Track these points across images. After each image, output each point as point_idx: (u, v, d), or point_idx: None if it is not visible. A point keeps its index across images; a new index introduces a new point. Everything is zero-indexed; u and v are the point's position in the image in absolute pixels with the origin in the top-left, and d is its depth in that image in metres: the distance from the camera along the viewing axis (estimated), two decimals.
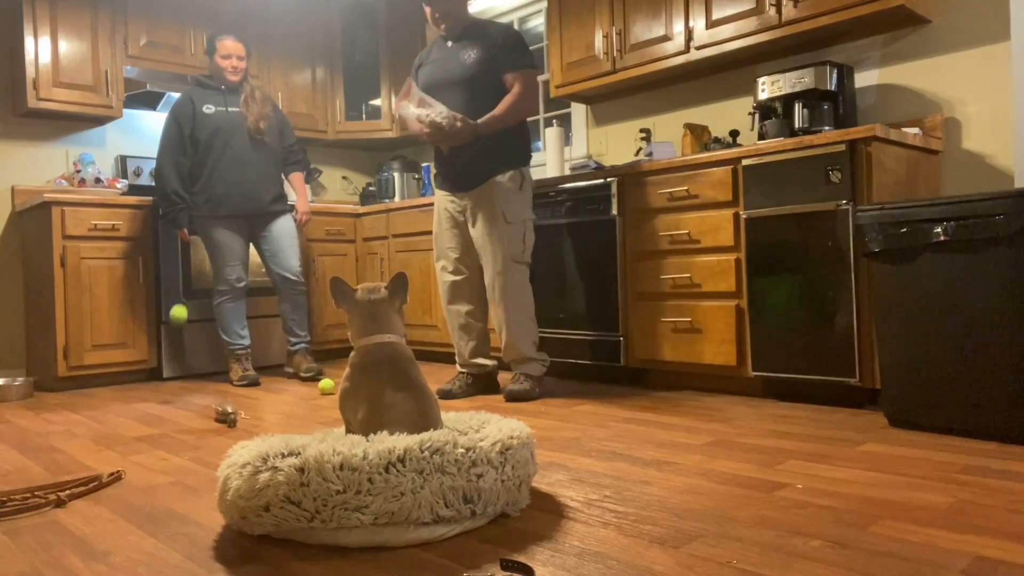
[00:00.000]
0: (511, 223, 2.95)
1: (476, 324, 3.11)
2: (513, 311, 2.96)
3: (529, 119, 3.11)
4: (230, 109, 3.69)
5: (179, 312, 3.24)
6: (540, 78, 3.83)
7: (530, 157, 3.09)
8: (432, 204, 4.15)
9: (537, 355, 3.03)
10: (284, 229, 3.81)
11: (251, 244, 3.84)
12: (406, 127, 2.97)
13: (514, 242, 2.96)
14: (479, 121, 2.86)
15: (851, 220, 2.51)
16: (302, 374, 3.73)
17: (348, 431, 1.67)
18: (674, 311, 3.04)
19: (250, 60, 3.81)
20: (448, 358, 4.19)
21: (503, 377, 3.26)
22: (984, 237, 2.05)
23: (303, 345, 3.84)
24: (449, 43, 3.05)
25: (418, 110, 2.86)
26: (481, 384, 3.13)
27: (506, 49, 2.95)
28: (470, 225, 3.03)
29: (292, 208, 3.92)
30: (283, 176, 3.94)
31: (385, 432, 1.50)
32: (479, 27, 3.04)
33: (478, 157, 2.93)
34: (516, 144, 3.00)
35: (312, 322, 4.51)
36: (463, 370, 3.14)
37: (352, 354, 1.72)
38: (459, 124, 2.81)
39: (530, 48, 3.05)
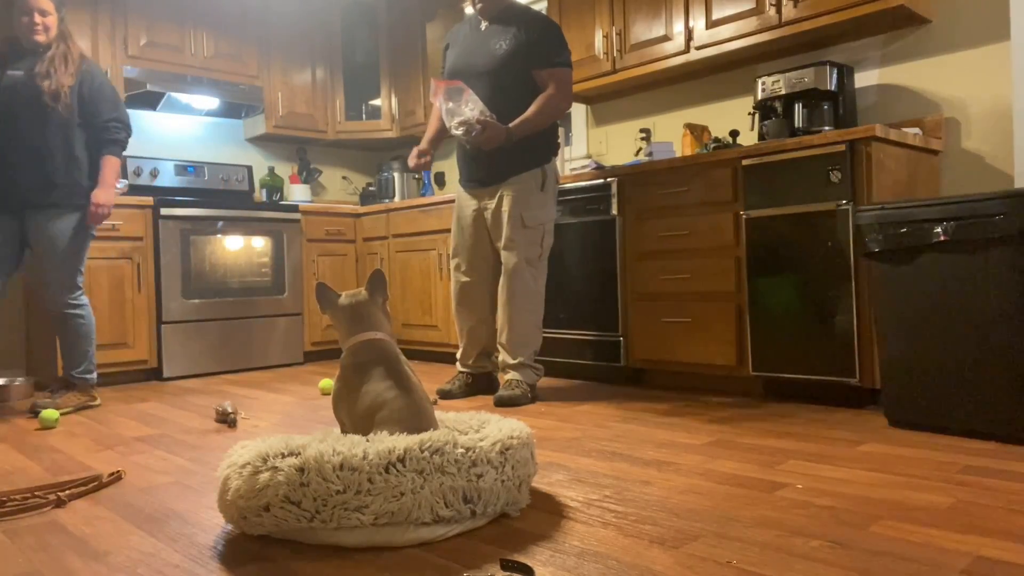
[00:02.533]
0: (529, 227, 2.87)
1: (485, 329, 3.04)
2: (519, 315, 2.90)
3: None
4: (26, 74, 2.98)
5: (49, 415, 2.79)
6: None
7: (556, 151, 2.98)
8: (432, 204, 4.17)
9: (533, 363, 2.96)
10: (51, 233, 2.98)
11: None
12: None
13: (531, 246, 2.89)
14: (510, 126, 2.75)
15: (851, 220, 2.51)
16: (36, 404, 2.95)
17: (343, 432, 1.67)
18: (674, 311, 3.04)
19: (61, 16, 3.05)
20: (448, 358, 4.19)
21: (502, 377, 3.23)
22: (984, 237, 2.05)
23: (72, 375, 3.08)
24: (483, 25, 2.94)
25: (450, 104, 2.73)
26: (480, 384, 3.09)
27: (540, 44, 2.82)
28: (488, 224, 2.96)
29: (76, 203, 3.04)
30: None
31: (384, 432, 1.50)
32: (516, 13, 2.90)
33: (498, 153, 2.83)
34: (540, 140, 2.89)
35: (313, 322, 4.52)
36: (464, 370, 3.10)
37: (343, 355, 1.74)
38: (480, 128, 2.69)
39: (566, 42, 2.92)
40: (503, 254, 2.91)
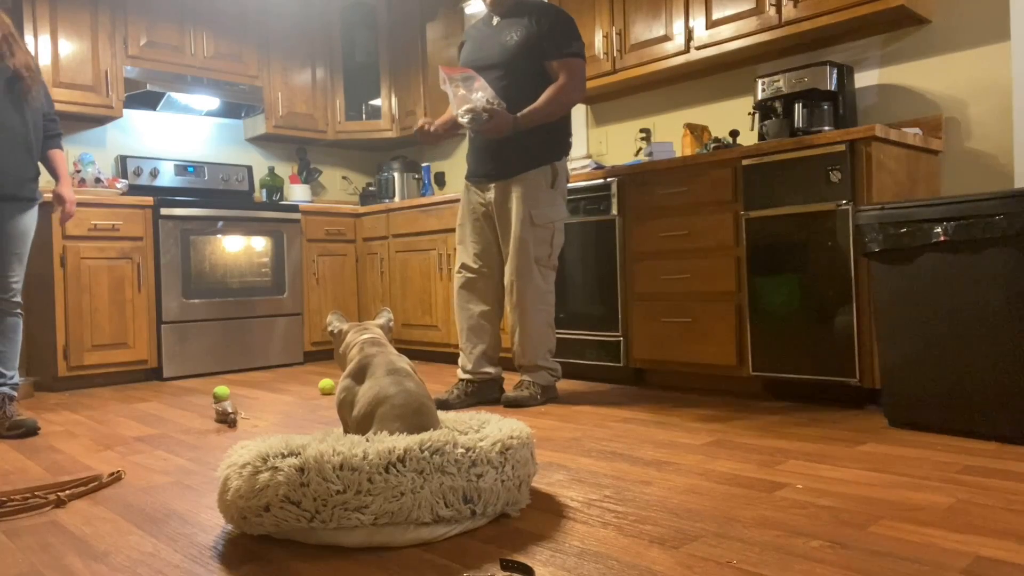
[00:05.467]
0: (538, 225, 2.80)
1: (489, 328, 2.93)
2: (531, 317, 2.83)
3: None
4: None
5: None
6: None
7: (567, 149, 2.93)
8: (432, 204, 4.17)
9: (548, 364, 2.89)
10: (21, 227, 2.73)
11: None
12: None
13: (540, 245, 2.82)
14: (518, 115, 2.70)
15: (851, 220, 2.51)
16: (4, 432, 2.57)
17: (345, 431, 1.67)
18: (674, 311, 3.04)
19: None
20: (448, 358, 4.19)
21: (510, 382, 3.13)
22: (984, 237, 2.05)
23: (6, 389, 2.66)
24: (495, 20, 2.91)
25: (460, 91, 2.68)
26: (483, 393, 2.92)
27: (551, 34, 2.78)
28: (496, 221, 2.89)
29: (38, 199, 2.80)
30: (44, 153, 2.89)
31: (385, 432, 1.50)
32: (528, 6, 2.86)
33: (508, 148, 2.78)
34: (551, 136, 2.84)
35: (313, 323, 4.51)
36: (465, 377, 2.94)
37: (351, 352, 1.77)
38: (487, 116, 2.62)
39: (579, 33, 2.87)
40: (511, 254, 2.84)
